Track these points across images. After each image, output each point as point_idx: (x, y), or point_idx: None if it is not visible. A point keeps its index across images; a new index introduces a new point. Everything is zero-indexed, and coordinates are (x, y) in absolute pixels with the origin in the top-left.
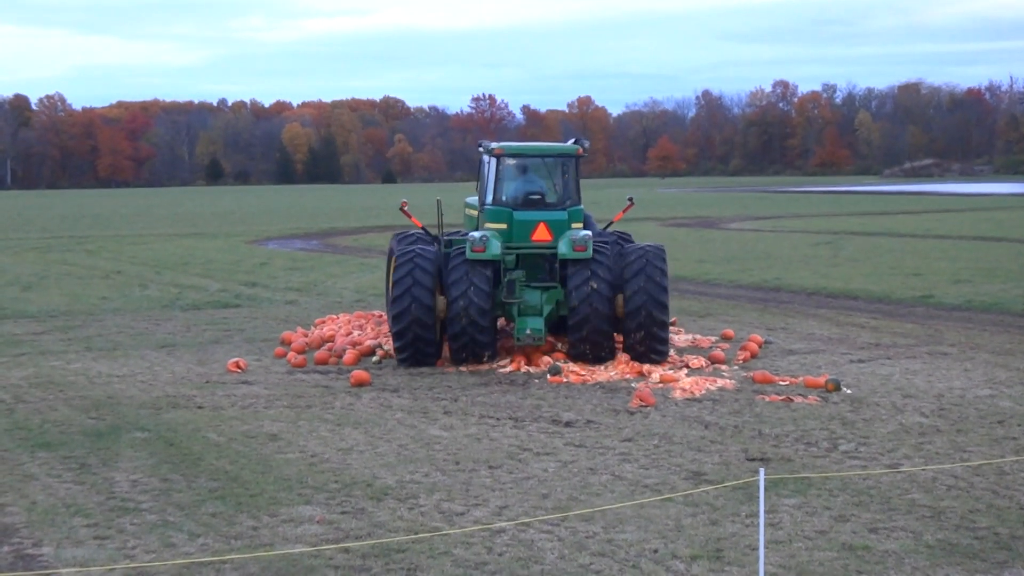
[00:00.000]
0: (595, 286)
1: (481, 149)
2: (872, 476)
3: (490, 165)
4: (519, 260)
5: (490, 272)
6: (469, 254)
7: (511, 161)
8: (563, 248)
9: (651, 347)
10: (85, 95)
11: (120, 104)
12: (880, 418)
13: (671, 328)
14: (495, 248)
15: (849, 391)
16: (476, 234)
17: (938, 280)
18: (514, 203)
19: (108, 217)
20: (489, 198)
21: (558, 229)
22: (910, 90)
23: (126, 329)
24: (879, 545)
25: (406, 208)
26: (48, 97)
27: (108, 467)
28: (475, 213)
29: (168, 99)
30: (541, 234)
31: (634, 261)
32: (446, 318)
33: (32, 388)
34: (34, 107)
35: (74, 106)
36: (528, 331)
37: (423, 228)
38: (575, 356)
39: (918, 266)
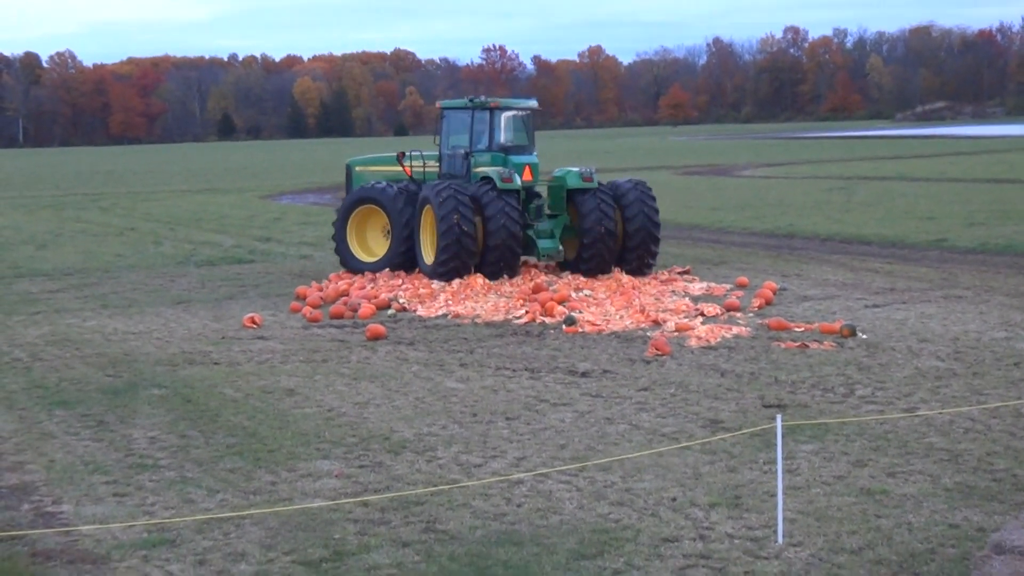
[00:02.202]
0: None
1: (471, 103)
2: (889, 420)
3: (480, 116)
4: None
5: (515, 200)
6: (500, 184)
7: (505, 114)
8: (572, 181)
9: (645, 261)
10: (96, 52)
11: (131, 60)
12: (896, 362)
13: (686, 276)
14: (519, 180)
15: (864, 336)
16: (503, 169)
17: (952, 223)
18: (505, 148)
19: (121, 174)
20: (483, 145)
21: (535, 171)
22: (921, 33)
23: (141, 286)
24: (897, 489)
25: (403, 159)
26: (59, 54)
27: (126, 424)
28: (408, 167)
29: (179, 54)
30: (527, 174)
31: (629, 191)
32: (484, 240)
33: (48, 346)
34: (45, 65)
35: (85, 63)
36: (559, 248)
37: (411, 177)
38: (585, 270)
39: (931, 210)
